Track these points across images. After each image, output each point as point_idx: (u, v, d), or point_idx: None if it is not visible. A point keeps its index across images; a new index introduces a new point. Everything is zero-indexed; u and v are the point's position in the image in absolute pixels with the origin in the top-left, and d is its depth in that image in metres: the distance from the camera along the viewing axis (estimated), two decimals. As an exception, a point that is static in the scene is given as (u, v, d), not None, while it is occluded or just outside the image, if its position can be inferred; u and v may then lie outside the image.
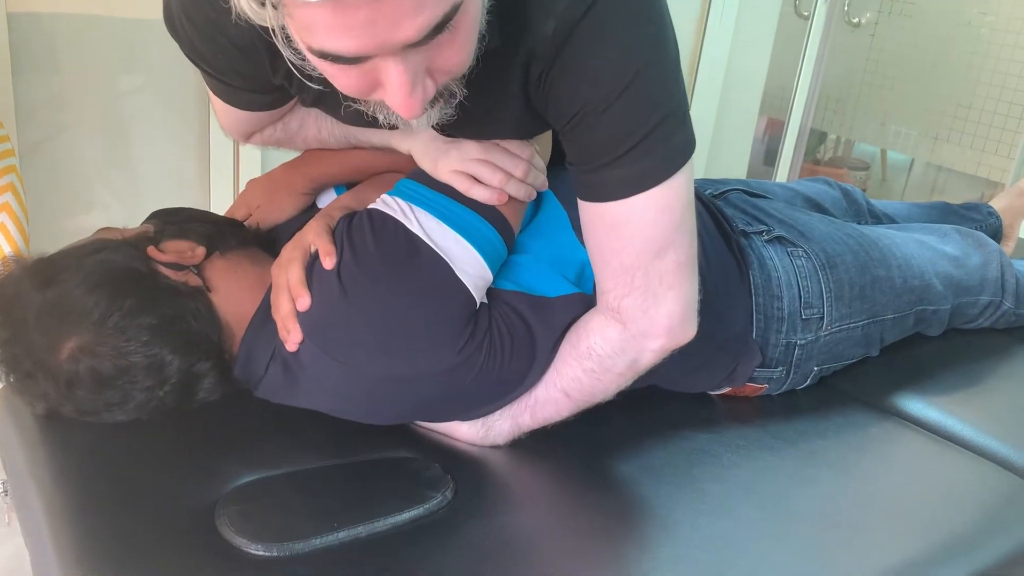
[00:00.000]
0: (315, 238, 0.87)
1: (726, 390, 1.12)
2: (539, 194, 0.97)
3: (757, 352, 1.08)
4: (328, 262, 0.85)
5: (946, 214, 1.59)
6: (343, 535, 0.78)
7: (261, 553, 0.75)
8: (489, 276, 0.89)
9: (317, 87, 0.71)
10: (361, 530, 0.79)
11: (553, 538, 0.86)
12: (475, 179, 0.90)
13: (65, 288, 0.83)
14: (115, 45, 1.59)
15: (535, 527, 0.88)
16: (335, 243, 0.87)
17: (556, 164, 1.00)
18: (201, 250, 0.91)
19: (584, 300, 0.93)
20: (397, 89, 0.63)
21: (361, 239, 0.86)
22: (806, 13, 2.55)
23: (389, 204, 0.88)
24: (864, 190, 1.56)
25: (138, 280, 0.85)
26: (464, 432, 0.96)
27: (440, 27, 0.60)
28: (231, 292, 0.90)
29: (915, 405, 1.17)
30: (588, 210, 0.84)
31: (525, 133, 0.92)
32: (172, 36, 0.83)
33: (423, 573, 0.76)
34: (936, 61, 2.94)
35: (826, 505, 0.94)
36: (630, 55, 0.74)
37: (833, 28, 2.55)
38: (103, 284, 0.83)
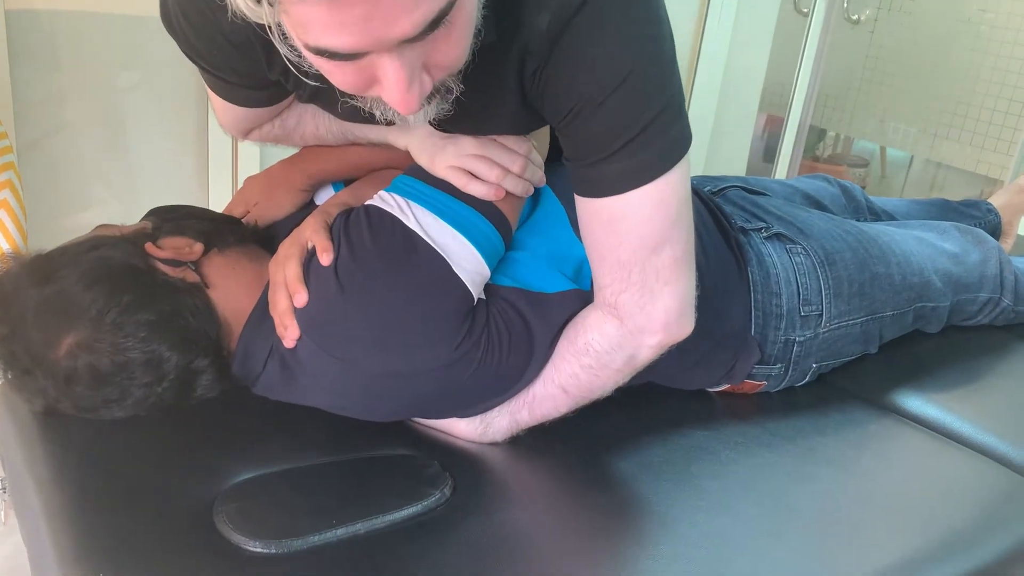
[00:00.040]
0: (312, 234, 0.87)
1: (724, 387, 1.12)
2: (537, 190, 0.97)
3: (755, 349, 1.08)
4: (325, 258, 0.85)
5: (945, 211, 1.59)
6: (341, 532, 0.78)
7: (259, 550, 0.75)
8: (487, 272, 0.89)
9: (313, 83, 0.71)
10: (359, 527, 0.79)
11: (551, 535, 0.86)
12: (472, 175, 0.90)
13: (63, 284, 0.83)
14: (113, 42, 1.59)
15: (533, 524, 0.87)
16: (332, 239, 0.86)
17: (554, 160, 1.00)
18: (199, 247, 0.91)
19: (582, 296, 0.93)
20: (394, 85, 0.63)
21: (358, 235, 0.86)
22: (805, 10, 2.55)
23: (386, 200, 0.88)
24: (863, 187, 1.56)
25: (136, 276, 0.85)
26: (462, 429, 0.96)
27: (436, 22, 0.60)
28: (229, 288, 0.90)
29: (914, 402, 1.17)
30: (585, 206, 0.84)
31: (522, 128, 0.92)
32: (169, 33, 0.83)
33: (422, 570, 0.76)
34: (936, 58, 2.94)
35: (825, 502, 0.94)
36: (625, 49, 0.74)
37: (832, 25, 2.55)
38: (101, 280, 0.83)
